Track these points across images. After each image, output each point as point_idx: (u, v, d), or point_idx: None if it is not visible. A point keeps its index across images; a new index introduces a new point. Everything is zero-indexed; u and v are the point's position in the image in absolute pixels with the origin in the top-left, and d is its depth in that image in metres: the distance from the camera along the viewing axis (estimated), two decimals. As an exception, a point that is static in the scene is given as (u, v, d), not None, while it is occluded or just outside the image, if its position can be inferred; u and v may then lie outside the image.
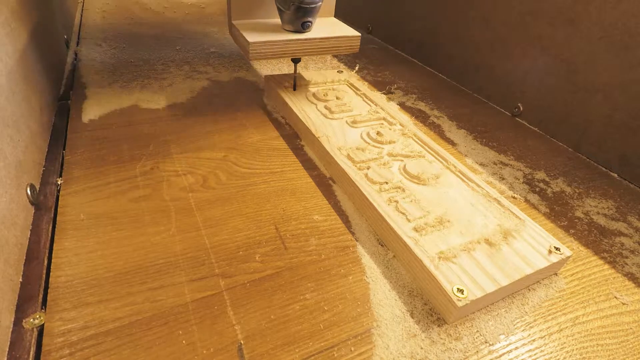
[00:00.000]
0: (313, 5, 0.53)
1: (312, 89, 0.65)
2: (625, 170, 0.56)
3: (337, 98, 0.62)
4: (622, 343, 0.34)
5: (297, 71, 0.63)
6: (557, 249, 0.38)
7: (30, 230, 0.38)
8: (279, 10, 0.55)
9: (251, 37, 0.53)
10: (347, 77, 0.69)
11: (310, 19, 0.55)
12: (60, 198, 0.43)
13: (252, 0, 0.59)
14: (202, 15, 1.07)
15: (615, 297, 0.39)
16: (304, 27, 0.55)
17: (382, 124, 0.57)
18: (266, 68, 0.79)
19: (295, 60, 0.60)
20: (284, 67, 0.80)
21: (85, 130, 0.54)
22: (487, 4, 0.72)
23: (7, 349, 0.29)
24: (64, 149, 0.50)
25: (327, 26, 0.60)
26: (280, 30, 0.57)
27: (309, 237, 0.41)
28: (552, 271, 0.39)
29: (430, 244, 0.38)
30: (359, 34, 0.59)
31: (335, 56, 0.89)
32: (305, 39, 0.56)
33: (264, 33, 0.55)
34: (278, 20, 0.60)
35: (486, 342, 0.33)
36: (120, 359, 0.29)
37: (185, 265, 0.37)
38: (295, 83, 0.63)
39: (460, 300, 0.32)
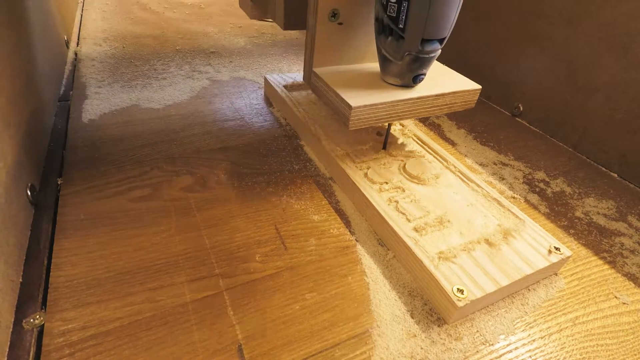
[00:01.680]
0: (433, 55, 0.40)
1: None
2: (625, 170, 0.56)
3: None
4: (622, 343, 0.34)
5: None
6: (557, 249, 0.38)
7: (30, 230, 0.38)
8: (384, 58, 0.42)
9: (352, 99, 0.40)
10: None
11: (425, 71, 0.42)
12: (60, 198, 0.43)
13: (341, 42, 0.46)
14: (202, 15, 1.07)
15: (616, 297, 0.39)
16: (415, 81, 0.42)
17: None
18: (266, 68, 0.79)
19: None
20: (284, 67, 0.80)
21: (85, 130, 0.54)
22: (487, 4, 0.72)
23: (7, 349, 0.29)
24: (64, 149, 0.50)
25: (436, 76, 0.47)
26: (381, 84, 0.44)
27: (309, 237, 0.41)
28: (552, 271, 0.39)
29: (430, 244, 0.38)
30: (479, 87, 0.47)
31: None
32: (418, 98, 0.43)
33: (364, 91, 0.42)
34: (370, 66, 0.48)
35: (486, 342, 0.33)
36: (120, 359, 0.29)
37: (185, 265, 0.37)
38: (387, 142, 0.51)
39: (460, 300, 0.32)
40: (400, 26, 0.38)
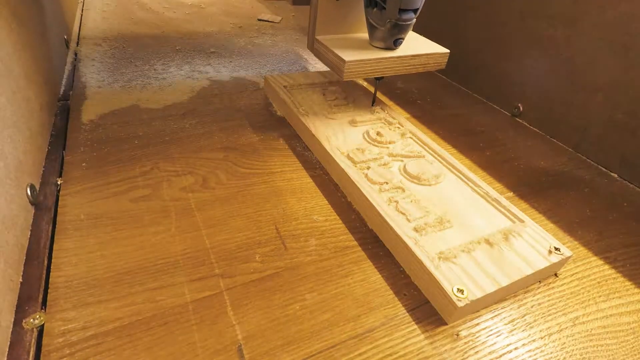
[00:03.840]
0: (409, 22, 0.51)
1: (312, 89, 0.65)
2: (625, 170, 0.56)
3: (337, 98, 0.62)
4: (622, 343, 0.34)
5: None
6: (557, 249, 0.38)
7: (30, 230, 0.38)
8: (371, 26, 0.54)
9: (346, 56, 0.51)
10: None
11: (403, 36, 0.53)
12: (60, 198, 0.43)
13: (338, 14, 0.57)
14: (202, 15, 1.07)
15: (616, 297, 0.39)
16: (396, 44, 0.53)
17: (383, 124, 0.57)
18: (266, 68, 0.79)
19: (379, 78, 0.58)
20: (284, 67, 0.80)
21: (85, 130, 0.54)
22: (488, 4, 0.72)
23: (7, 349, 0.29)
24: (64, 149, 0.50)
25: (413, 42, 0.58)
26: (369, 47, 0.55)
27: (309, 237, 0.41)
28: (552, 271, 0.39)
29: (430, 244, 0.38)
30: (448, 51, 0.57)
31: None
32: (398, 57, 0.54)
33: (355, 51, 0.53)
34: (362, 36, 0.59)
35: (486, 342, 0.33)
36: (120, 359, 0.29)
37: (185, 266, 0.37)
38: (375, 99, 0.62)
39: (460, 300, 0.32)
40: None
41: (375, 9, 0.51)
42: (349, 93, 0.66)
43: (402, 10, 0.49)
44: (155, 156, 0.51)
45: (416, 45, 0.57)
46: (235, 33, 0.96)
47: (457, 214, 0.42)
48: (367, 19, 0.54)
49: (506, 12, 0.69)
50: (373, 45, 0.55)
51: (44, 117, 0.52)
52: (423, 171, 0.47)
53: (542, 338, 0.34)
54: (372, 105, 0.62)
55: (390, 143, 0.52)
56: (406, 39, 0.56)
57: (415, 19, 0.52)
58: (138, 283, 0.35)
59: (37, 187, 0.43)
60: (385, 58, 0.53)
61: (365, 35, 0.58)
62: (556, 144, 0.63)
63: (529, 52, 0.66)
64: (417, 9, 0.51)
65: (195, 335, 0.31)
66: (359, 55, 0.52)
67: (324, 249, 0.40)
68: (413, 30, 0.60)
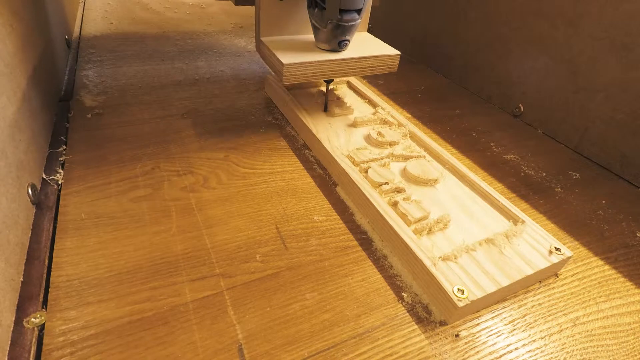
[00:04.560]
0: (352, 23, 0.49)
1: (313, 90, 0.65)
2: (626, 170, 0.56)
3: (338, 98, 0.62)
4: (623, 344, 0.34)
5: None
6: (557, 249, 0.38)
7: (31, 229, 0.38)
8: (314, 27, 0.52)
9: (285, 58, 0.49)
10: (348, 78, 0.69)
11: (348, 38, 0.51)
12: (61, 198, 0.43)
13: (283, 15, 0.55)
14: (203, 15, 1.07)
15: (616, 297, 0.39)
16: (340, 45, 0.51)
17: (383, 124, 0.57)
18: (267, 68, 0.79)
19: (328, 80, 0.56)
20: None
21: (85, 130, 0.54)
22: (488, 4, 0.72)
23: (8, 348, 0.29)
24: (65, 149, 0.50)
25: (362, 44, 0.56)
26: (314, 49, 0.53)
27: (310, 237, 0.41)
28: (552, 271, 0.39)
29: (430, 244, 0.38)
30: (399, 52, 0.55)
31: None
32: (342, 59, 0.51)
33: (297, 53, 0.51)
34: (310, 37, 0.57)
35: (486, 342, 0.33)
36: (121, 359, 0.29)
37: (185, 265, 0.37)
38: (327, 104, 0.59)
39: (460, 301, 0.32)
40: None
41: (316, 10, 0.49)
42: (350, 94, 0.65)
43: (343, 11, 0.47)
44: (156, 156, 0.51)
45: (365, 47, 0.55)
46: (235, 33, 0.97)
47: (457, 214, 0.42)
48: (310, 21, 0.52)
49: (507, 11, 0.69)
50: (319, 48, 0.53)
51: (45, 116, 0.52)
52: (424, 171, 0.47)
53: (542, 338, 0.34)
54: (325, 111, 0.58)
55: (390, 143, 0.52)
56: (358, 40, 0.54)
57: (360, 20, 0.49)
58: (139, 282, 0.35)
59: (38, 186, 0.43)
60: (329, 61, 0.50)
61: (312, 36, 0.55)
62: (557, 144, 0.63)
63: (530, 52, 0.66)
64: (360, 9, 0.48)
65: (196, 334, 0.31)
66: (300, 57, 0.49)
67: (324, 248, 0.40)
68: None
